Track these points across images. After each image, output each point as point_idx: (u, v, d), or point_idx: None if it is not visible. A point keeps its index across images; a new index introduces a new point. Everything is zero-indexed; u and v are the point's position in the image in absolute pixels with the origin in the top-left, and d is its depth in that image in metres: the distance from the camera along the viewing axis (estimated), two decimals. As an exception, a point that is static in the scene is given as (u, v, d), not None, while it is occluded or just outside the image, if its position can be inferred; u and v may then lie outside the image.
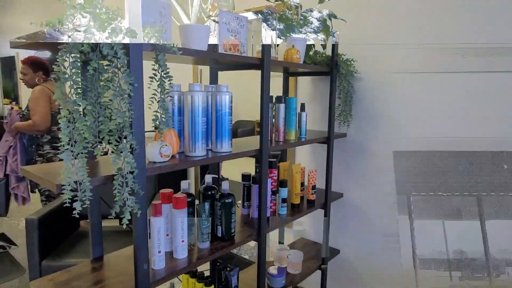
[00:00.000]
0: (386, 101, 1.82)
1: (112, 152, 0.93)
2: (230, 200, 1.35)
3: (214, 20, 1.30)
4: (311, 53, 1.80)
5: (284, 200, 1.66)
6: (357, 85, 1.90)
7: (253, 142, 1.51)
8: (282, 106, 1.60)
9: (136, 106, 0.93)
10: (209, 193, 1.38)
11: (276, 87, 1.73)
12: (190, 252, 1.27)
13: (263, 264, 1.52)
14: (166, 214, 1.22)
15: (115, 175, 0.92)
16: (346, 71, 1.79)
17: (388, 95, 1.82)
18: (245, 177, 1.61)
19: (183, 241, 1.22)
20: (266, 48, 1.33)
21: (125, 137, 0.92)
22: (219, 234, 1.37)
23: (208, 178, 1.42)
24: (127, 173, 0.93)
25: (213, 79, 1.62)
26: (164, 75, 1.00)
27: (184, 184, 1.36)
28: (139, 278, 1.02)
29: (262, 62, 1.33)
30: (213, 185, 1.41)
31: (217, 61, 1.39)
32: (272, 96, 1.54)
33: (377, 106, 1.86)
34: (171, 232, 1.24)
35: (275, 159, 1.64)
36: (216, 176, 1.51)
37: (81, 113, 0.89)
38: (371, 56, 1.83)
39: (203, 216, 1.29)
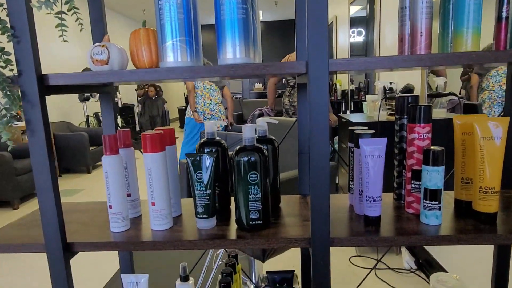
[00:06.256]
0: None
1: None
2: (252, 159, 0.74)
3: None
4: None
5: (434, 194, 0.72)
6: None
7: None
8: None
9: None
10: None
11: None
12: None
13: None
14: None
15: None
16: None
17: None
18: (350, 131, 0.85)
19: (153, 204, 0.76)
20: None
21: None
22: (237, 217, 0.79)
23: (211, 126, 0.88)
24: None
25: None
26: None
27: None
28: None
29: None
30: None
31: None
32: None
33: None
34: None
35: (426, 105, 0.75)
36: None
37: None
38: None
39: (197, 180, 0.76)
